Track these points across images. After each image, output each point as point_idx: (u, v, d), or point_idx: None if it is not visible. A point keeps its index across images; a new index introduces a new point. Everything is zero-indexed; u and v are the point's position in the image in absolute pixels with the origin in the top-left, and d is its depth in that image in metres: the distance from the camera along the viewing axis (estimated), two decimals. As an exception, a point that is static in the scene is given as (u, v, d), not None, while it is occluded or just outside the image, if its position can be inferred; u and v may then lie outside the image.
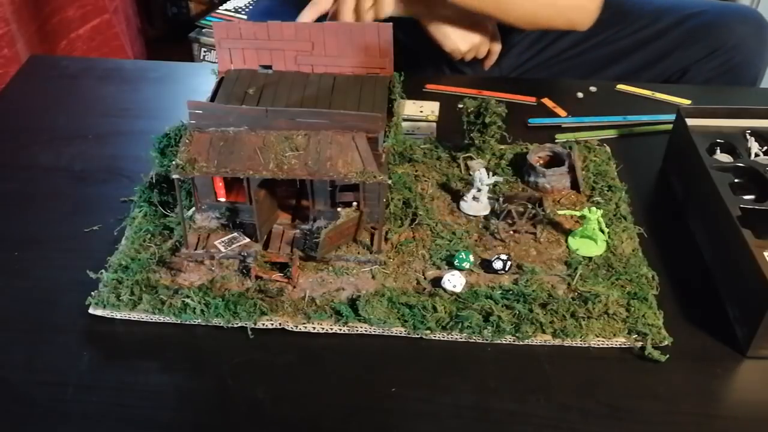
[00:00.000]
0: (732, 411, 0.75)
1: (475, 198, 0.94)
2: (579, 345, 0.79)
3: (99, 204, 0.96)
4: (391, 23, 0.92)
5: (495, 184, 0.96)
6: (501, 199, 0.93)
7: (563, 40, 1.41)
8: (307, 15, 1.09)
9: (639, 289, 0.84)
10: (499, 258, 0.85)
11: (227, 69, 0.94)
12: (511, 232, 0.91)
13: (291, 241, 0.87)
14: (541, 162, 1.00)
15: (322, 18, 1.11)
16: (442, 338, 0.80)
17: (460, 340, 0.80)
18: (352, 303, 0.81)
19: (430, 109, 1.15)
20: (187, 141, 0.81)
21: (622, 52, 1.36)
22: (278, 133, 0.81)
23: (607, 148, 1.06)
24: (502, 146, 1.04)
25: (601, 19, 1.35)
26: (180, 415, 0.73)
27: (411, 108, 1.14)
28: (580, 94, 1.20)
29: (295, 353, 0.78)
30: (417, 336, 0.80)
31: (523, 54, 1.43)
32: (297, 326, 0.80)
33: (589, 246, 0.89)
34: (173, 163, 0.80)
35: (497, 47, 1.29)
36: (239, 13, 2.40)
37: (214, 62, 0.97)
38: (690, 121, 0.98)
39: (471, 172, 0.99)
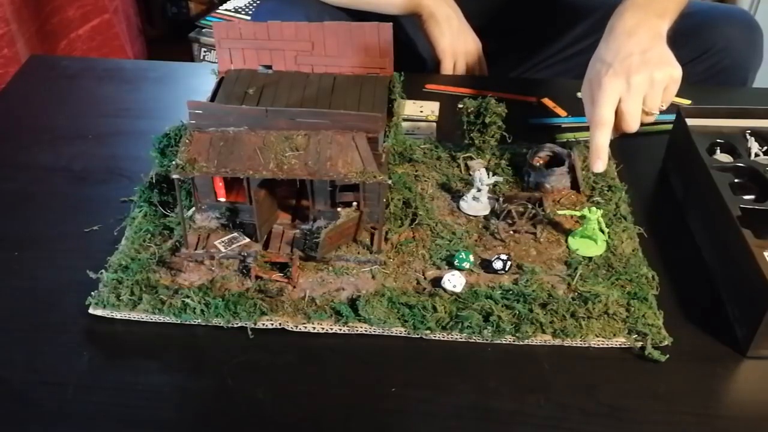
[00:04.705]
0: (732, 411, 0.75)
1: (475, 198, 0.94)
2: (579, 345, 0.79)
3: (99, 204, 0.96)
4: (390, 23, 0.92)
5: (495, 184, 0.96)
6: (501, 199, 0.93)
7: (555, 43, 1.41)
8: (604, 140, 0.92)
9: (639, 289, 0.84)
10: (499, 258, 0.85)
11: (227, 69, 0.94)
12: (511, 232, 0.91)
13: (291, 241, 0.87)
14: (541, 162, 1.00)
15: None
16: (442, 338, 0.80)
17: (460, 340, 0.80)
18: (352, 303, 0.81)
19: (430, 109, 1.15)
20: (187, 141, 0.81)
21: None
22: (278, 133, 0.81)
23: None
24: (502, 146, 1.03)
25: (592, 22, 1.35)
26: (180, 415, 0.73)
27: (411, 108, 1.14)
28: (579, 94, 1.20)
29: (295, 353, 0.78)
30: (417, 336, 0.80)
31: (516, 56, 1.43)
32: (297, 326, 0.80)
33: (589, 246, 0.89)
34: (173, 163, 0.80)
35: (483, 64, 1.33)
36: (239, 13, 2.40)
37: (214, 62, 0.97)
38: (690, 121, 0.98)
39: (471, 172, 0.99)
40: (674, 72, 0.94)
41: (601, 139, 0.91)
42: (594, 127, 0.92)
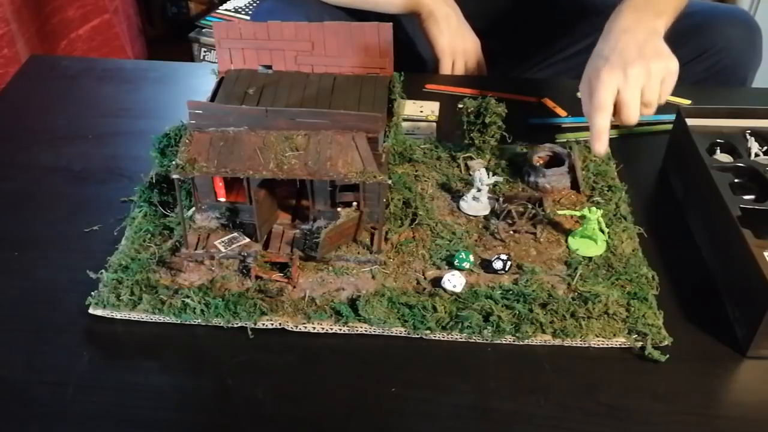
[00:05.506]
0: (732, 411, 0.75)
1: (475, 198, 0.94)
2: (579, 345, 0.79)
3: (99, 204, 0.96)
4: (390, 23, 0.92)
5: (495, 184, 0.96)
6: (501, 199, 0.93)
7: (555, 43, 1.41)
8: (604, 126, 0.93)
9: (639, 289, 0.84)
10: (499, 258, 0.85)
11: (227, 69, 0.94)
12: (511, 232, 0.91)
13: (291, 241, 0.87)
14: (541, 162, 1.00)
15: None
16: (442, 338, 0.80)
17: (460, 340, 0.80)
18: (352, 303, 0.81)
19: (430, 109, 1.15)
20: (187, 141, 0.81)
21: None
22: (278, 133, 0.81)
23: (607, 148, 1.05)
24: (502, 146, 1.03)
25: (593, 22, 1.35)
26: (180, 415, 0.73)
27: (411, 108, 1.14)
28: (579, 94, 1.20)
29: (295, 353, 0.78)
30: (417, 336, 0.80)
31: (516, 56, 1.44)
32: (297, 326, 0.80)
33: (589, 246, 0.89)
34: (173, 163, 0.80)
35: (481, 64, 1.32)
36: (239, 13, 2.40)
37: (214, 62, 0.97)
38: (690, 121, 0.98)
39: (471, 172, 0.99)
40: (670, 64, 0.95)
41: (601, 122, 0.91)
42: (593, 112, 0.93)
